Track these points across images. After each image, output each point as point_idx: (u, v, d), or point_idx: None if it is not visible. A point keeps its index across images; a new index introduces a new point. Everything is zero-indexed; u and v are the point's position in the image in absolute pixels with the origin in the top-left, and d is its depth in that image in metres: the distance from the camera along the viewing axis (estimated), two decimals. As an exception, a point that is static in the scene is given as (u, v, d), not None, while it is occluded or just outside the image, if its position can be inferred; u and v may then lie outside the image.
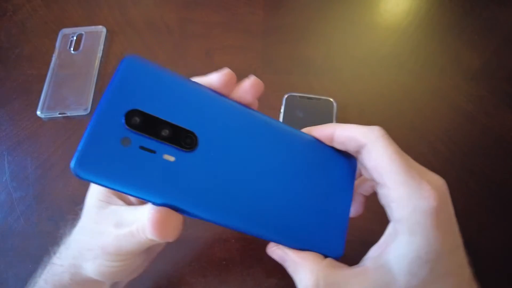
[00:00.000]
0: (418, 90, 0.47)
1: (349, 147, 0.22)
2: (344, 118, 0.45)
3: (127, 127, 0.18)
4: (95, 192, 0.23)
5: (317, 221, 0.22)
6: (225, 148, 0.20)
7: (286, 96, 0.45)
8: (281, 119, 0.43)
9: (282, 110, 0.44)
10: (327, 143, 0.23)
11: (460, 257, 0.20)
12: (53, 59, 0.48)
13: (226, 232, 0.39)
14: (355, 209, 0.26)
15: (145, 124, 0.18)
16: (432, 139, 0.44)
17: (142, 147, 0.18)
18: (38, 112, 0.45)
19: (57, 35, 0.50)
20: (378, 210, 0.26)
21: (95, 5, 0.53)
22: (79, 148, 0.17)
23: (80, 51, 0.49)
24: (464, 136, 0.44)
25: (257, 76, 0.23)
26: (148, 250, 0.25)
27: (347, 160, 0.24)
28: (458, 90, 0.47)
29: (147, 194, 0.18)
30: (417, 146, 0.44)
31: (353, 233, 0.25)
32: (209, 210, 0.19)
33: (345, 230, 0.22)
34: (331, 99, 0.45)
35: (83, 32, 0.50)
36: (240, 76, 0.22)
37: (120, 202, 0.23)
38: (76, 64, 0.48)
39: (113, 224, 0.22)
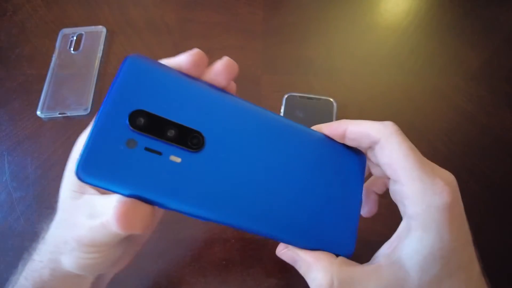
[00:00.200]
0: (418, 89, 0.47)
1: (361, 143, 0.22)
2: (344, 118, 0.44)
3: (131, 128, 0.17)
4: (68, 183, 0.22)
5: (328, 219, 0.21)
6: (233, 147, 0.20)
7: (286, 96, 0.45)
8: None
9: (282, 110, 0.44)
10: (338, 139, 0.23)
11: (471, 252, 0.21)
12: (53, 59, 0.48)
13: (226, 232, 0.39)
14: (369, 209, 0.26)
15: (150, 124, 0.18)
16: (432, 138, 0.44)
17: (147, 149, 0.18)
18: (38, 112, 0.45)
19: (57, 35, 0.50)
20: (381, 211, 0.27)
21: (95, 5, 0.53)
22: (82, 151, 0.17)
23: (80, 51, 0.49)
24: (464, 136, 0.44)
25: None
26: (128, 241, 0.24)
27: (356, 156, 0.23)
28: (458, 90, 0.47)
29: (155, 197, 0.18)
30: (417, 145, 0.43)
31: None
32: (219, 212, 0.19)
33: (355, 227, 0.22)
34: (331, 99, 0.45)
35: (83, 32, 0.50)
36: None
37: (93, 190, 0.22)
38: (76, 64, 0.48)
39: (86, 215, 0.21)
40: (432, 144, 0.44)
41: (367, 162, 0.24)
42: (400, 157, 0.20)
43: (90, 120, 0.18)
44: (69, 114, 0.45)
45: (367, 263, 0.21)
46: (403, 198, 0.20)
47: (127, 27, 0.52)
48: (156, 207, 0.19)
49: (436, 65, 0.49)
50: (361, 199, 0.23)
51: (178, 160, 0.18)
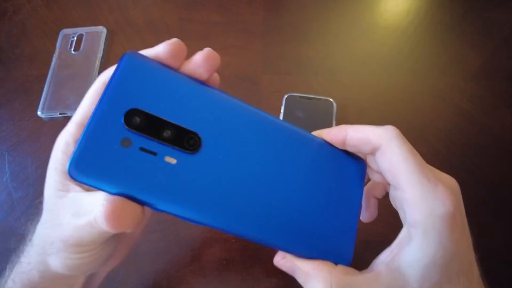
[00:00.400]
0: (417, 89, 0.47)
1: (362, 149, 0.21)
2: (344, 118, 0.45)
3: (126, 127, 0.17)
4: (52, 182, 0.21)
5: (326, 227, 0.21)
6: (230, 150, 0.19)
7: (286, 96, 0.45)
8: (281, 119, 0.43)
9: (282, 110, 0.44)
10: (339, 146, 0.22)
11: (471, 257, 0.21)
12: (54, 59, 0.48)
13: (226, 232, 0.39)
14: (370, 214, 0.26)
15: (146, 124, 0.17)
16: (431, 138, 0.44)
17: (142, 149, 0.17)
18: (39, 112, 0.45)
19: (57, 35, 0.50)
20: (381, 211, 0.27)
21: (96, 6, 0.53)
22: (76, 149, 0.16)
23: (80, 51, 0.49)
24: (464, 136, 0.44)
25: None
26: (118, 239, 0.24)
27: (356, 164, 0.23)
28: (458, 90, 0.47)
29: (149, 198, 0.17)
30: (417, 145, 0.43)
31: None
32: (214, 217, 0.18)
33: (354, 235, 0.22)
34: (331, 99, 0.45)
35: (83, 33, 0.50)
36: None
37: (78, 188, 0.21)
38: (77, 64, 0.48)
39: (72, 214, 0.20)
40: (432, 144, 0.44)
41: (368, 169, 0.24)
42: (401, 163, 0.20)
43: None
44: (69, 114, 0.45)
45: (367, 270, 0.21)
46: (403, 205, 0.20)
47: (127, 27, 0.52)
48: (146, 207, 0.18)
49: (436, 65, 0.49)
50: (360, 207, 0.22)
51: (174, 161, 0.18)
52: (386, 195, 0.23)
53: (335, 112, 0.44)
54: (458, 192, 0.20)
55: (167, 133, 0.18)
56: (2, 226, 0.39)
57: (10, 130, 0.45)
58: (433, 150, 0.43)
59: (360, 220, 0.25)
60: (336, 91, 0.47)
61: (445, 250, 0.19)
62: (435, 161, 0.42)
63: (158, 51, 0.19)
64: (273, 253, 0.22)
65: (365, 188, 0.25)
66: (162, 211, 0.18)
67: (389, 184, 0.21)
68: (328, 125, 0.43)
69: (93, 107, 0.19)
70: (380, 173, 0.22)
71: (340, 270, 0.20)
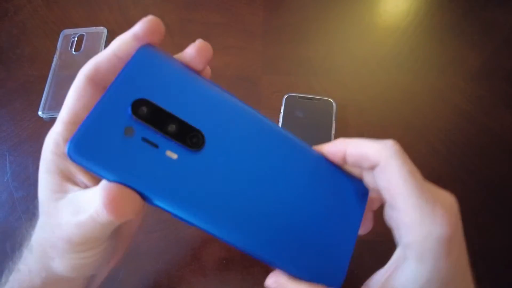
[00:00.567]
0: (417, 90, 0.48)
1: (361, 165, 0.21)
2: (343, 118, 0.45)
3: (132, 116, 0.17)
4: (46, 184, 0.21)
5: (321, 248, 0.20)
6: (232, 154, 0.19)
7: (286, 96, 0.45)
8: (281, 119, 0.43)
9: (282, 110, 0.44)
10: (339, 162, 0.22)
11: (468, 279, 0.20)
12: (54, 59, 0.48)
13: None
14: (365, 226, 0.25)
15: (152, 116, 0.17)
16: (431, 138, 0.44)
17: (145, 139, 0.17)
18: (40, 112, 0.45)
19: (58, 35, 0.50)
20: (381, 211, 0.27)
21: (96, 6, 0.53)
22: (78, 129, 0.16)
23: (81, 51, 0.49)
24: (463, 136, 0.44)
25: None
26: (119, 234, 0.23)
27: (359, 189, 0.22)
28: (458, 90, 0.47)
29: (142, 189, 0.17)
30: (416, 145, 0.44)
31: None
32: (206, 219, 0.18)
33: (348, 260, 0.21)
34: (331, 99, 0.45)
35: (84, 33, 0.50)
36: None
37: (76, 188, 0.20)
38: (77, 64, 0.48)
39: (71, 213, 0.19)
40: (431, 144, 0.44)
41: (368, 186, 0.23)
42: (399, 182, 0.19)
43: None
44: (70, 115, 0.45)
45: None
46: (399, 226, 0.19)
47: (128, 27, 0.51)
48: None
49: (435, 65, 0.49)
50: (357, 233, 0.22)
51: (174, 156, 0.18)
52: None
53: (335, 112, 0.44)
54: (456, 211, 0.20)
55: (172, 128, 0.18)
56: (3, 226, 0.40)
57: (11, 130, 0.45)
58: (432, 150, 0.44)
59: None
60: (336, 91, 0.47)
61: (440, 273, 0.18)
62: (434, 160, 0.43)
63: (135, 31, 0.19)
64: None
65: None
66: (155, 204, 0.17)
67: (387, 203, 0.21)
68: (328, 125, 0.43)
69: (78, 103, 0.19)
70: (377, 189, 0.21)
71: None
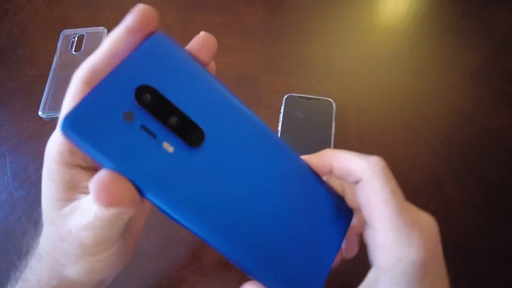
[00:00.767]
0: (416, 90, 0.48)
1: (347, 179, 0.21)
2: (343, 118, 0.45)
3: (135, 101, 0.16)
4: (50, 193, 0.21)
5: (299, 264, 0.20)
6: (226, 157, 0.19)
7: (286, 96, 0.45)
8: (281, 119, 0.44)
9: (282, 110, 0.44)
10: (326, 174, 0.22)
11: None
12: (55, 59, 0.48)
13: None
14: (351, 250, 0.25)
15: (155, 105, 0.17)
16: (431, 138, 0.44)
17: (143, 127, 0.17)
18: (40, 113, 0.45)
19: (58, 36, 0.50)
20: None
21: (96, 6, 0.53)
22: (76, 105, 0.15)
23: (81, 51, 0.49)
24: (462, 136, 0.45)
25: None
26: (128, 234, 0.23)
27: (344, 210, 0.22)
28: (457, 90, 0.47)
29: (133, 177, 0.16)
30: (416, 145, 0.44)
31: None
32: (190, 217, 0.18)
33: (323, 278, 0.21)
34: (331, 100, 0.45)
35: (84, 33, 0.50)
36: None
37: (81, 195, 0.20)
38: (78, 64, 0.47)
39: (78, 217, 0.19)
40: (431, 144, 0.44)
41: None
42: (379, 202, 0.19)
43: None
44: (70, 115, 0.45)
45: None
46: (374, 246, 0.19)
47: (128, 28, 0.52)
48: None
49: (435, 65, 0.49)
50: (336, 253, 0.22)
51: (171, 149, 0.17)
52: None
53: (335, 112, 0.44)
54: (435, 235, 0.19)
55: (173, 120, 0.17)
56: (3, 226, 0.40)
57: (11, 130, 0.45)
58: (432, 150, 0.44)
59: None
60: (336, 91, 0.47)
61: None
62: (434, 160, 0.43)
63: (129, 24, 0.18)
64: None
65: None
66: (145, 197, 0.17)
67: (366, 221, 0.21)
68: (328, 125, 0.44)
69: None
70: (358, 205, 0.21)
71: None
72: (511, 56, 0.50)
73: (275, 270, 0.19)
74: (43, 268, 0.22)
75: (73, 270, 0.21)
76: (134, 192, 0.16)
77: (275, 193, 0.20)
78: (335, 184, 0.23)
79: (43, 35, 0.51)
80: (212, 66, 0.20)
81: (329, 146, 0.42)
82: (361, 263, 0.21)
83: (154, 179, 0.17)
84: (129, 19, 0.18)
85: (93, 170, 0.21)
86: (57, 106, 0.45)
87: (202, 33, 0.19)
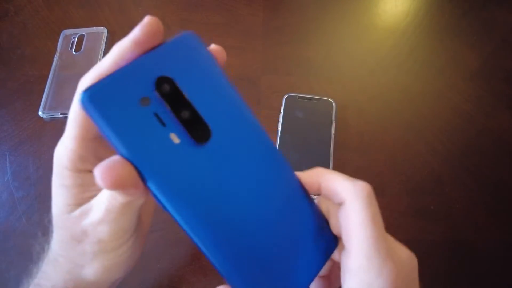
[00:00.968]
0: (416, 90, 0.48)
1: (333, 199, 0.21)
2: (343, 118, 0.45)
3: (154, 89, 0.18)
4: (61, 198, 0.21)
5: (273, 277, 0.20)
6: (227, 159, 0.19)
7: (286, 96, 0.45)
8: (281, 120, 0.44)
9: (282, 110, 0.44)
10: (315, 192, 0.22)
11: None
12: (55, 60, 0.48)
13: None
14: (332, 284, 0.25)
15: (172, 96, 0.18)
16: (430, 138, 0.44)
17: (156, 114, 0.18)
18: (40, 113, 0.45)
19: (58, 36, 0.50)
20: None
21: (97, 6, 0.53)
22: (100, 81, 0.17)
23: (81, 52, 0.49)
24: (462, 136, 0.45)
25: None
26: (137, 232, 0.24)
27: (329, 240, 0.23)
28: (457, 90, 0.47)
29: (134, 160, 0.17)
30: (415, 145, 0.44)
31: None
32: (181, 209, 0.18)
33: None
34: (331, 100, 0.45)
35: (84, 33, 0.50)
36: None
37: (91, 198, 0.21)
38: (78, 64, 0.48)
39: (91, 216, 0.20)
40: (431, 144, 0.44)
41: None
42: (357, 225, 0.19)
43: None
44: (70, 115, 0.45)
45: None
46: (346, 270, 0.19)
47: (128, 28, 0.51)
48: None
49: (434, 65, 0.49)
50: (313, 277, 0.22)
51: (177, 140, 0.18)
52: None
53: (335, 113, 0.44)
54: (411, 270, 0.19)
55: (185, 114, 0.18)
56: (3, 226, 0.40)
57: (12, 130, 0.45)
58: (431, 150, 0.44)
59: None
60: (336, 91, 0.47)
61: None
62: (433, 160, 0.43)
63: (136, 36, 0.18)
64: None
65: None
66: (142, 177, 0.17)
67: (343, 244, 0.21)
68: (328, 125, 0.44)
69: (86, 117, 0.19)
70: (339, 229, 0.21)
71: None
72: (511, 56, 0.50)
73: (246, 278, 0.20)
74: (59, 272, 0.22)
75: (91, 270, 0.22)
76: (136, 175, 0.17)
77: (261, 205, 0.20)
78: (323, 207, 0.23)
79: (43, 35, 0.51)
80: (219, 51, 0.20)
81: (329, 146, 0.42)
82: None
83: (155, 163, 0.17)
84: (137, 31, 0.19)
85: None
86: (57, 106, 0.45)
87: (212, 45, 0.20)
